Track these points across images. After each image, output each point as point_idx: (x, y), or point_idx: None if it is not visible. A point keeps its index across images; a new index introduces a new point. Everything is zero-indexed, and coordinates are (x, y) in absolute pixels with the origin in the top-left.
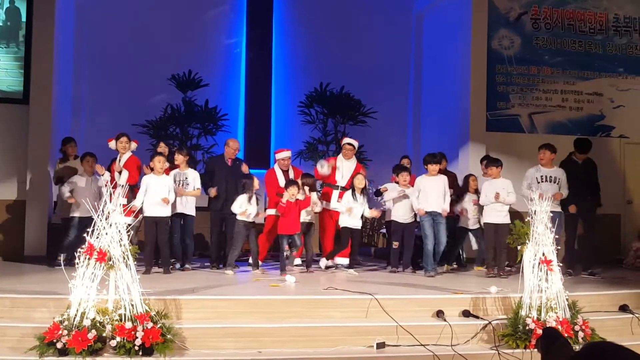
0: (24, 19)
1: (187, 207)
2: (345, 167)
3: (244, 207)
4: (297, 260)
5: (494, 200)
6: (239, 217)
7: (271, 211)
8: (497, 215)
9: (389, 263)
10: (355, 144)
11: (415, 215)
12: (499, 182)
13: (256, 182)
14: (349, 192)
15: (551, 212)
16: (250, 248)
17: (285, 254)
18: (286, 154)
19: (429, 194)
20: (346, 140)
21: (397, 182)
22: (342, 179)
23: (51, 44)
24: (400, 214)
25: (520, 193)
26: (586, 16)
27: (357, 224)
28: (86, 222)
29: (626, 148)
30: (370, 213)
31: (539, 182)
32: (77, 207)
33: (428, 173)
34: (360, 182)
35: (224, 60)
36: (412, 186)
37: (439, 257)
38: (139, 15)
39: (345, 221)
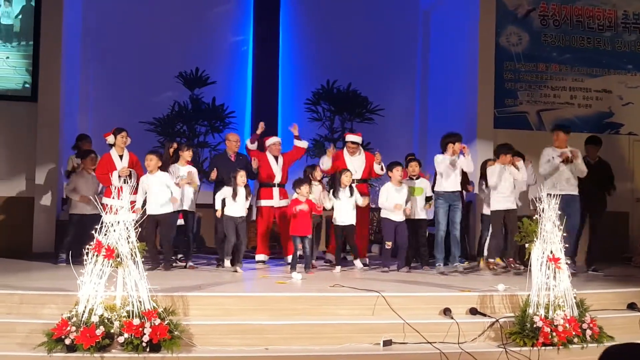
0: None
1: (186, 203)
2: (355, 162)
3: (222, 203)
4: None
5: (509, 166)
6: (225, 213)
7: (264, 202)
8: (506, 200)
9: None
10: (358, 139)
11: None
12: (502, 168)
13: (241, 178)
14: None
15: (569, 194)
16: (236, 245)
17: (298, 253)
18: (275, 139)
19: (448, 173)
20: (349, 138)
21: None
22: (355, 173)
23: (59, 42)
24: (392, 212)
25: (540, 172)
26: (595, 13)
27: (349, 220)
28: (85, 219)
29: (635, 145)
30: (364, 201)
31: (549, 160)
32: (76, 204)
33: (447, 152)
34: (347, 179)
35: (231, 57)
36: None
37: (459, 249)
38: (146, 12)
39: (336, 219)
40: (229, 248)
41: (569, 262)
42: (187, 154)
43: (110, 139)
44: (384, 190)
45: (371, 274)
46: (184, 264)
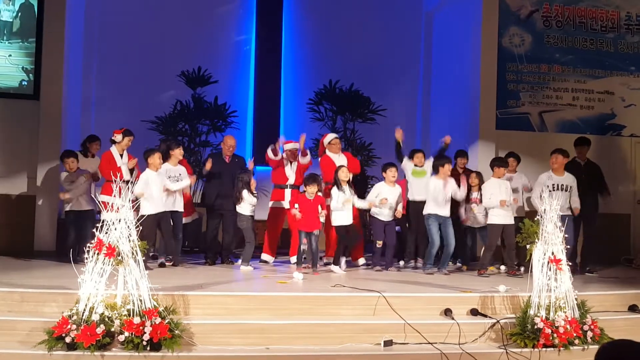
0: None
1: (176, 203)
2: (340, 160)
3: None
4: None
5: (499, 206)
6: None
7: (274, 203)
8: (504, 216)
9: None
10: (337, 135)
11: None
12: (498, 183)
13: (252, 180)
14: (335, 188)
15: (562, 215)
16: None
17: (303, 247)
18: (293, 145)
19: (437, 197)
20: (331, 135)
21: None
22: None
23: (62, 40)
24: (382, 212)
25: (532, 200)
26: (598, 14)
27: (349, 219)
28: (81, 215)
29: (637, 147)
30: (361, 204)
31: (550, 191)
32: (69, 202)
33: (437, 175)
34: (345, 175)
35: (233, 57)
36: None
37: (449, 258)
38: (148, 11)
39: (336, 220)
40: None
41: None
42: (177, 152)
43: (119, 137)
44: (376, 187)
45: (371, 274)
46: (171, 263)
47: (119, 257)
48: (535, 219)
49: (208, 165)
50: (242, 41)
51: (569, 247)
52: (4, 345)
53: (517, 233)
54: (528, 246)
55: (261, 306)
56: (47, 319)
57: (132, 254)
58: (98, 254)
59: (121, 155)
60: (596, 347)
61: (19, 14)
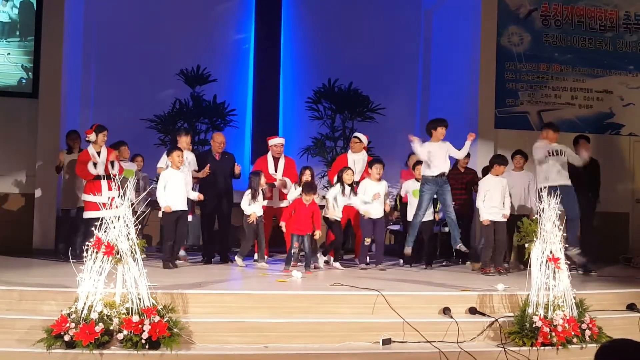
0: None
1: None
2: (356, 161)
3: (249, 207)
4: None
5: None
6: (245, 212)
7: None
8: (496, 212)
9: (402, 259)
10: (363, 138)
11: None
12: (495, 181)
13: (263, 179)
14: (337, 186)
15: (562, 185)
16: (258, 241)
17: (293, 250)
18: (278, 140)
19: (437, 157)
20: (355, 134)
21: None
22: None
23: (60, 39)
24: (371, 209)
25: (536, 163)
26: (596, 13)
27: (337, 215)
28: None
29: (635, 146)
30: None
31: (546, 156)
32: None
33: (433, 139)
34: (348, 177)
35: (232, 55)
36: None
37: (458, 231)
38: (147, 9)
39: (330, 213)
40: (244, 250)
41: (577, 252)
42: (184, 140)
43: (92, 136)
44: (362, 184)
45: (370, 272)
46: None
47: (118, 256)
48: (534, 217)
49: (204, 173)
50: (241, 40)
51: (571, 218)
52: (2, 344)
53: (516, 231)
54: (527, 245)
55: (260, 305)
56: (46, 317)
57: (131, 252)
58: (97, 252)
59: (99, 153)
60: (594, 345)
61: (18, 12)
